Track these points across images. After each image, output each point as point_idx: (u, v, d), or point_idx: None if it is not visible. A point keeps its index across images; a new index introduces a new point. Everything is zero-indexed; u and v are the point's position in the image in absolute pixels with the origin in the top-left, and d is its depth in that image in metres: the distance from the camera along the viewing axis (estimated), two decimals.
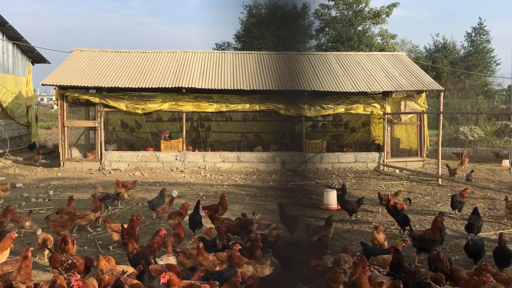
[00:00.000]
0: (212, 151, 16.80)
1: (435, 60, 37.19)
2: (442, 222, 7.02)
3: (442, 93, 15.90)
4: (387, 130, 16.69)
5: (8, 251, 6.02)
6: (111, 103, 16.02)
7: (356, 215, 9.25)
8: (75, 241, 6.55)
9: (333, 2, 35.19)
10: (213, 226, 7.53)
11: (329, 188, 10.72)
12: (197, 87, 15.97)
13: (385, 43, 36.19)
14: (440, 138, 14.21)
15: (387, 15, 35.05)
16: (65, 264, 5.43)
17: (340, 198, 9.69)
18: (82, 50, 18.78)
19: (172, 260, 5.83)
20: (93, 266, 5.53)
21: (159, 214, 8.72)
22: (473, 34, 39.00)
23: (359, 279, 4.76)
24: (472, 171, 13.66)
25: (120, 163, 16.10)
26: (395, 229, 8.51)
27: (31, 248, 5.34)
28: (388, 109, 16.65)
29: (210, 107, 16.34)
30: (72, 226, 7.86)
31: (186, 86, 15.87)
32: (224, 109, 16.44)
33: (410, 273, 5.06)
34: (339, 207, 9.81)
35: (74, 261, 5.46)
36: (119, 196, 10.13)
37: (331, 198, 10.12)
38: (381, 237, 6.91)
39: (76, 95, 16.04)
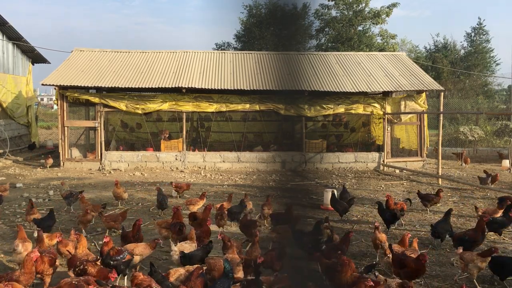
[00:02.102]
0: (211, 151, 16.79)
1: (435, 60, 37.20)
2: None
3: (442, 93, 15.90)
4: (387, 130, 16.69)
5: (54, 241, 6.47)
6: (111, 103, 16.02)
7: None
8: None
9: (333, 2, 35.19)
10: None
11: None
12: (197, 87, 15.96)
13: (385, 43, 36.19)
14: (440, 138, 14.21)
15: (387, 15, 35.05)
16: (77, 269, 5.30)
17: (331, 199, 9.56)
18: (82, 50, 18.78)
19: (187, 247, 6.04)
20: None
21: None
22: (472, 34, 39.03)
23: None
24: (490, 174, 12.86)
25: (120, 163, 16.10)
26: (395, 229, 8.51)
27: (37, 253, 5.35)
28: (388, 109, 16.65)
29: (210, 107, 16.34)
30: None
31: (186, 86, 15.87)
32: (224, 109, 16.43)
33: None
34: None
35: (86, 266, 5.30)
36: (118, 196, 10.15)
37: None
38: (383, 237, 6.90)
39: (76, 95, 16.03)
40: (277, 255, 5.59)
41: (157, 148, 16.61)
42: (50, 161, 16.05)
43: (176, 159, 16.31)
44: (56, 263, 5.66)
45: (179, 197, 11.19)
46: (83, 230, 7.91)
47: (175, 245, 6.10)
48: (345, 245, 6.38)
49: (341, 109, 16.69)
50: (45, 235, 6.73)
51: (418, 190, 10.83)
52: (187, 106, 16.26)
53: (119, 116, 18.28)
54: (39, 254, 5.30)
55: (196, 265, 5.40)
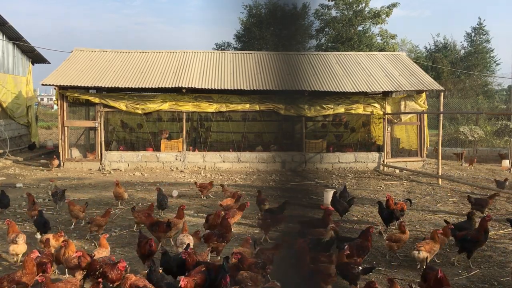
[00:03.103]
0: (211, 151, 16.78)
1: (435, 60, 37.19)
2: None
3: (442, 93, 15.89)
4: (387, 130, 16.68)
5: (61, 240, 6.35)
6: (111, 103, 16.01)
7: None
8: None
9: (333, 2, 35.18)
10: None
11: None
12: (197, 87, 15.97)
13: (385, 43, 36.18)
14: (440, 138, 14.20)
15: (387, 15, 35.05)
16: (97, 273, 5.24)
17: (332, 198, 9.56)
18: (82, 50, 18.78)
19: (190, 239, 6.36)
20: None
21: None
22: (472, 34, 39.04)
23: None
24: (507, 179, 12.47)
25: (120, 163, 16.10)
26: (395, 229, 8.50)
27: (37, 252, 5.36)
28: (388, 109, 16.65)
29: (210, 107, 16.34)
30: None
31: (186, 86, 15.87)
32: (224, 109, 16.43)
33: None
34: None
35: (106, 270, 5.25)
36: (119, 196, 10.15)
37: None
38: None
39: (76, 95, 16.04)
40: (260, 264, 5.45)
41: (157, 148, 16.60)
42: (56, 162, 15.77)
43: (176, 159, 16.31)
44: (53, 267, 5.63)
45: (177, 197, 11.19)
46: (89, 234, 7.83)
47: (184, 241, 6.35)
48: (367, 241, 6.31)
49: (341, 109, 16.69)
50: (51, 236, 6.68)
51: (468, 196, 10.07)
52: (187, 106, 16.26)
53: (119, 116, 18.27)
54: (39, 254, 5.32)
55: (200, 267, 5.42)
